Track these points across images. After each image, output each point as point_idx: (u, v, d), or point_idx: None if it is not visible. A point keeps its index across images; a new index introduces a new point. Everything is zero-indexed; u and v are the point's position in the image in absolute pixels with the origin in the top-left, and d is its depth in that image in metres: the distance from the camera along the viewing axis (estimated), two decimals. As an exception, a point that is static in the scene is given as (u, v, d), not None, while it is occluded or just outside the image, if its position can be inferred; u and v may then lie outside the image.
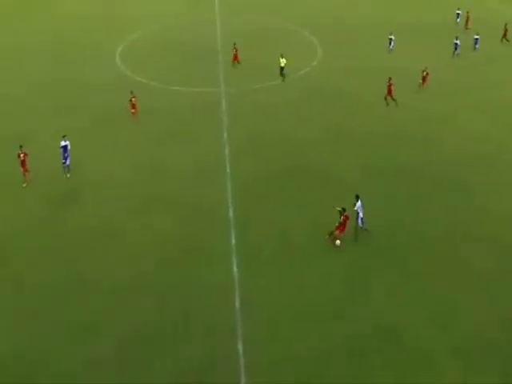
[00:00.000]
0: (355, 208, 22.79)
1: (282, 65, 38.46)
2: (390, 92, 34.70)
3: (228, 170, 28.18)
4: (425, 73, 37.79)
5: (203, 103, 36.04)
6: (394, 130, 32.43)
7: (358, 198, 22.90)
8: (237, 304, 19.97)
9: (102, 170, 28.27)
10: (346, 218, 22.27)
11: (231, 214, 24.82)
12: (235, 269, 21.60)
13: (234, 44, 41.29)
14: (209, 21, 53.74)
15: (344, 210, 22.29)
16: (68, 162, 27.11)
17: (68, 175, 27.26)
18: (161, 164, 28.91)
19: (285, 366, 17.60)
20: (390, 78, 34.68)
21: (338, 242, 22.27)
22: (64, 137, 26.93)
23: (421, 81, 37.91)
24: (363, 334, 18.83)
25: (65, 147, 26.86)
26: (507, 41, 46.89)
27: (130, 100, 33.18)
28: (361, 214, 23.00)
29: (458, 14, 51.90)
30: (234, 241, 23.08)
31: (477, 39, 45.61)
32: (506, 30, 46.77)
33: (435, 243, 23.24)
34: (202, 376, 17.28)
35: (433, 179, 27.68)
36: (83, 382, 17.10)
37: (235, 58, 41.10)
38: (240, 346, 18.29)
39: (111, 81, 39.62)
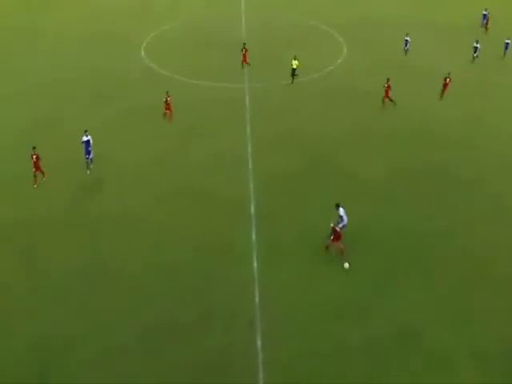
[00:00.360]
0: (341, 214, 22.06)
1: (294, 66, 37.79)
2: (387, 94, 34.37)
3: (250, 166, 28.24)
4: (447, 79, 35.64)
5: (227, 98, 36.11)
6: (419, 130, 32.18)
7: (338, 206, 22.24)
8: (256, 299, 20.08)
9: (125, 161, 28.56)
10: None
11: (253, 209, 24.90)
12: (255, 264, 21.69)
13: (244, 45, 40.72)
14: (235, 17, 53.77)
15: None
16: (91, 156, 27.37)
17: (91, 167, 27.52)
18: (184, 157, 29.09)
19: (302, 363, 17.69)
20: (387, 80, 34.30)
21: (346, 264, 21.51)
22: (85, 132, 27.11)
23: (442, 88, 35.94)
24: (383, 335, 18.82)
25: (87, 142, 27.04)
26: None
27: (166, 100, 32.32)
28: (341, 225, 22.01)
29: (485, 15, 50.31)
30: (254, 236, 23.17)
31: (507, 44, 43.57)
32: None
33: (460, 246, 23.06)
34: (219, 369, 17.44)
35: (458, 179, 27.51)
36: (106, 369, 17.39)
37: (244, 59, 40.34)
38: (259, 342, 18.41)
39: (136, 74, 39.94)
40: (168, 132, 31.69)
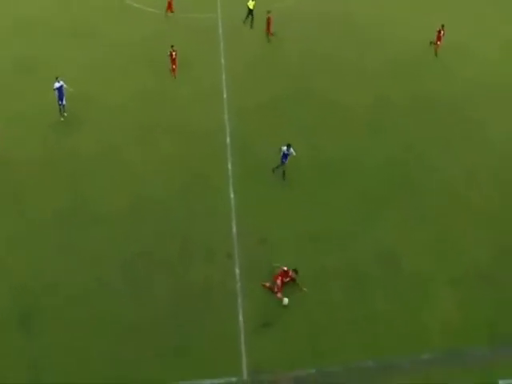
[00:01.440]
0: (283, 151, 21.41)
1: (251, 7, 34.68)
2: (268, 26, 32.27)
3: (225, 96, 27.14)
4: (441, 32, 30.14)
5: (200, 29, 34.32)
6: (406, 61, 31.10)
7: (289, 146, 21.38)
8: (234, 231, 19.69)
9: (104, 100, 26.95)
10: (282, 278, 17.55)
11: (228, 140, 24.08)
12: (232, 195, 21.15)
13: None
14: None
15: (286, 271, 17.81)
16: (64, 102, 25.21)
17: (65, 114, 25.47)
18: (160, 93, 27.78)
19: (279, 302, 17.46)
20: (268, 12, 32.21)
21: (285, 300, 17.34)
22: (57, 78, 24.84)
23: (435, 41, 30.75)
24: (362, 258, 18.85)
25: (59, 89, 24.90)
26: None
27: (170, 54, 28.47)
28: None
29: None
30: (230, 167, 22.52)
31: None
32: None
33: (446, 179, 22.77)
34: (200, 298, 17.31)
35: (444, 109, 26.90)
36: (90, 305, 17.10)
37: None
38: (237, 271, 18.18)
39: (110, 9, 37.40)
40: (143, 66, 30.04)
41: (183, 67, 29.83)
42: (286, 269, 17.53)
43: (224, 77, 28.79)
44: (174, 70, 28.94)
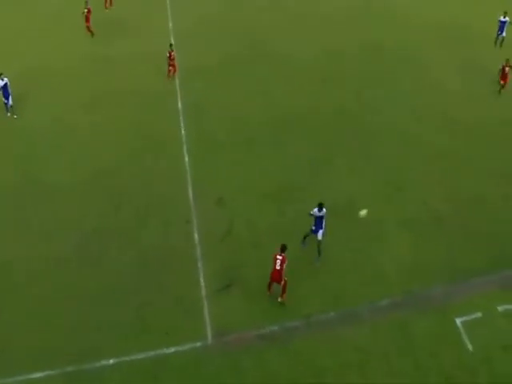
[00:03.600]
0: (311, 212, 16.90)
1: None
2: None
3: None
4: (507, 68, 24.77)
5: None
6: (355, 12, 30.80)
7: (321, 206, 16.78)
8: (190, 196, 19.47)
9: (50, 70, 26.01)
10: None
11: (180, 104, 23.57)
12: (187, 159, 20.85)
13: None
14: None
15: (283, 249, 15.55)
16: (11, 102, 23.24)
17: (15, 116, 23.51)
18: (108, 58, 26.95)
19: (241, 254, 17.49)
20: None
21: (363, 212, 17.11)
22: (0, 75, 22.92)
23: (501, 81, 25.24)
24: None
25: (4, 87, 22.94)
26: None
27: (169, 55, 25.32)
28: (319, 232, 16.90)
29: None
30: (183, 132, 22.13)
31: None
32: None
33: (396, 121, 23.04)
34: (160, 266, 17.07)
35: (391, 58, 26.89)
36: (47, 281, 16.63)
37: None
38: (196, 236, 18.03)
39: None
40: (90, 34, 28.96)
41: (132, 31, 28.97)
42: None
43: (172, 39, 27.99)
44: (170, 71, 25.45)
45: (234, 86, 24.54)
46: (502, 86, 24.83)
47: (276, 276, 15.65)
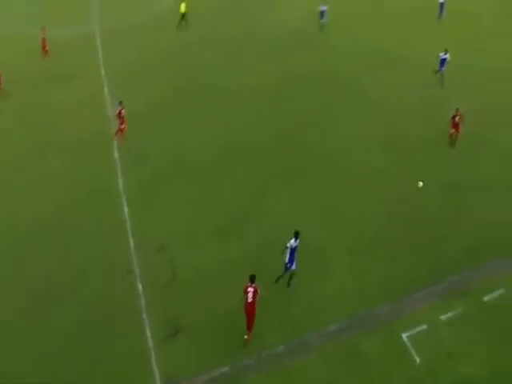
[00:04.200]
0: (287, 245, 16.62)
1: (183, 10, 34.41)
2: None
3: (108, 106, 26.50)
4: (457, 118, 23.54)
5: (78, 40, 33.35)
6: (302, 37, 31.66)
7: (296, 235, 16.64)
8: (131, 244, 19.32)
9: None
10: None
11: (116, 153, 23.54)
12: (126, 209, 20.76)
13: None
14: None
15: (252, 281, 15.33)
16: None
17: None
18: (43, 105, 26.80)
19: (186, 299, 17.37)
20: None
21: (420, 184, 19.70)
22: None
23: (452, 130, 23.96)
24: (260, 245, 18.97)
25: None
26: None
27: (119, 113, 23.70)
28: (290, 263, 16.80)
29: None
30: (121, 180, 22.09)
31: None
32: None
33: (338, 145, 23.61)
34: (103, 320, 16.74)
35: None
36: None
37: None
38: (139, 286, 17.84)
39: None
40: (25, 82, 28.82)
41: (66, 79, 29.04)
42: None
43: (106, 89, 28.12)
44: (121, 130, 23.91)
45: (171, 127, 24.72)
46: (455, 136, 23.35)
47: (249, 309, 15.20)
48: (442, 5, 34.41)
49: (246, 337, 15.74)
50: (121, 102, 23.93)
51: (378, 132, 24.54)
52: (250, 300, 15.12)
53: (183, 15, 34.59)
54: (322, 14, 33.23)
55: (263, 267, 17.90)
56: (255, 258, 18.46)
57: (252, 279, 15.23)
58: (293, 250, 16.46)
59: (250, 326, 15.60)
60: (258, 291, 15.20)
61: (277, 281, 17.13)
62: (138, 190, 21.59)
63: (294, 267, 16.80)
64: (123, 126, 23.67)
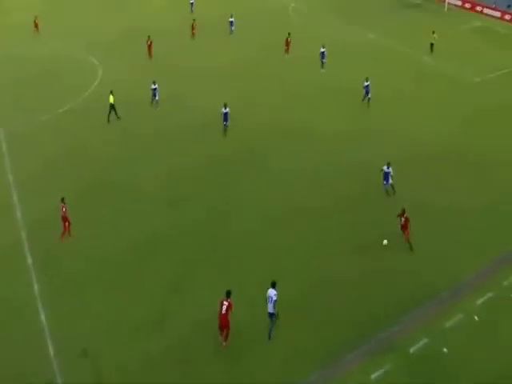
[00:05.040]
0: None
1: (111, 101, 34.12)
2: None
3: (18, 213, 25.71)
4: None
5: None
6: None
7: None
8: (51, 353, 18.33)
9: None
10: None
11: (30, 259, 22.72)
12: (43, 317, 19.79)
13: None
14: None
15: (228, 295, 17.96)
16: None
17: None
18: None
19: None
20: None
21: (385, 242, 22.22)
22: None
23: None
24: (182, 336, 18.70)
25: None
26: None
27: (62, 209, 23.32)
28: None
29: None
30: (36, 287, 21.17)
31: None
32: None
33: (247, 229, 24.16)
34: None
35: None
36: None
37: None
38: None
39: None
40: None
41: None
42: None
43: (14, 194, 27.45)
44: (64, 231, 23.56)
45: (83, 226, 24.31)
46: (407, 238, 22.75)
47: (222, 320, 17.14)
48: (366, 87, 34.37)
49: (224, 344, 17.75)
50: (62, 199, 23.50)
51: (283, 205, 25.47)
52: (223, 312, 17.28)
53: (112, 106, 34.43)
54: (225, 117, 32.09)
55: (188, 357, 17.66)
56: (178, 349, 18.14)
57: (228, 294, 17.53)
58: (273, 300, 18.00)
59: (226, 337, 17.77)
60: (232, 307, 17.32)
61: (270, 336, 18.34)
62: (54, 294, 20.74)
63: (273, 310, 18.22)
64: (65, 228, 23.57)
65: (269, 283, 18.17)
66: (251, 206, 25.62)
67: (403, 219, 22.50)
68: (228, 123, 31.84)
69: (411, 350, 18.22)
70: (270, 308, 18.00)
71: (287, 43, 43.62)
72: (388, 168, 25.36)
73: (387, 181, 25.60)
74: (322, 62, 40.98)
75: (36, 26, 50.00)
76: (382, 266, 21.75)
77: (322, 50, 40.82)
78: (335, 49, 42.53)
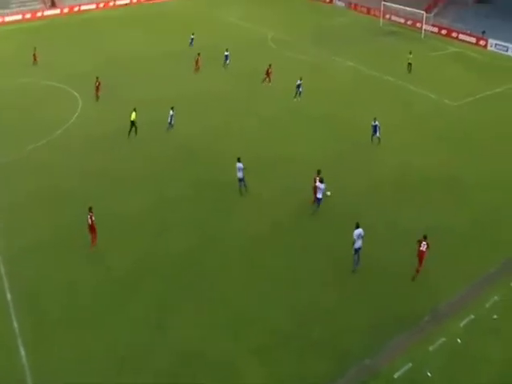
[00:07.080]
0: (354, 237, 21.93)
1: (133, 118, 34.87)
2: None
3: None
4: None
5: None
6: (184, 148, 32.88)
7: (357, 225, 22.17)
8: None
9: None
10: None
11: (9, 296, 22.34)
12: (23, 352, 19.43)
13: None
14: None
15: None
16: None
17: None
18: None
19: None
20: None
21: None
22: None
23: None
24: (167, 367, 18.40)
25: None
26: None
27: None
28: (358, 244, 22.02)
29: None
30: (16, 324, 20.79)
31: None
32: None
33: (230, 250, 24.25)
34: None
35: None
36: None
37: None
38: None
39: None
40: None
41: None
42: None
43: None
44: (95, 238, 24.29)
45: (63, 262, 24.04)
46: (417, 270, 22.02)
47: None
48: (374, 127, 33.54)
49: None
50: (90, 208, 24.15)
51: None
52: None
53: (133, 123, 35.03)
54: None
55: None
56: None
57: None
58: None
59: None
60: None
61: None
62: (35, 329, 20.38)
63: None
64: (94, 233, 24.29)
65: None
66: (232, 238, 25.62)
67: (424, 244, 21.25)
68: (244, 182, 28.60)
69: (395, 376, 18.19)
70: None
71: (268, 73, 44.37)
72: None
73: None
74: (299, 92, 41.27)
75: (35, 58, 49.93)
76: (364, 291, 21.81)
77: (299, 82, 41.22)
78: (313, 75, 43.46)
